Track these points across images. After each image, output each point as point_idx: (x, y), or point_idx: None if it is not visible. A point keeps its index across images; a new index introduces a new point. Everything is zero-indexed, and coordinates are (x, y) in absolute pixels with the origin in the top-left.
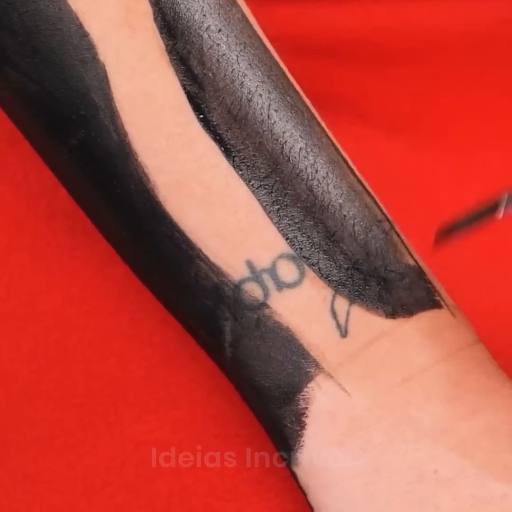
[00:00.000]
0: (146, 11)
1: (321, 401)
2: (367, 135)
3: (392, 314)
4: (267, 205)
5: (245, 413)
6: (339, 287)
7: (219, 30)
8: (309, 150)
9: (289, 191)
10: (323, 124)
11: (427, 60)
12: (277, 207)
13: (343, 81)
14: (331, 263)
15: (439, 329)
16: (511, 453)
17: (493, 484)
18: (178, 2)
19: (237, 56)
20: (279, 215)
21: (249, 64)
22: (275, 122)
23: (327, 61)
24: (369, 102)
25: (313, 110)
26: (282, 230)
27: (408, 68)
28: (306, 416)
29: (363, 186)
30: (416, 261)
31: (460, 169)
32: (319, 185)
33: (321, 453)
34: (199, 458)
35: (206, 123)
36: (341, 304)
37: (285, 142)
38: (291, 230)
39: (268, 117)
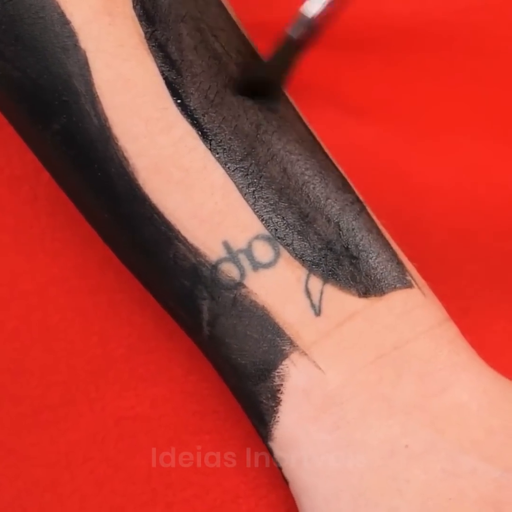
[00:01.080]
0: None
1: (295, 378)
2: (340, 120)
3: (364, 293)
4: (243, 187)
5: (222, 390)
6: (313, 267)
7: (197, 18)
8: (283, 133)
9: (264, 174)
10: (296, 108)
11: (399, 47)
12: (252, 189)
13: (318, 67)
14: (305, 243)
15: (410, 308)
16: (480, 429)
17: (462, 459)
18: None
19: (214, 42)
20: (255, 197)
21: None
22: (249, 106)
23: None
24: (343, 88)
25: (287, 95)
26: (257, 211)
27: (381, 55)
28: (281, 393)
29: (336, 169)
30: (388, 242)
31: (431, 154)
32: (293, 167)
33: (295, 429)
34: (180, 433)
35: (184, 108)
36: (315, 283)
37: (260, 125)
38: (266, 211)
39: (244, 100)
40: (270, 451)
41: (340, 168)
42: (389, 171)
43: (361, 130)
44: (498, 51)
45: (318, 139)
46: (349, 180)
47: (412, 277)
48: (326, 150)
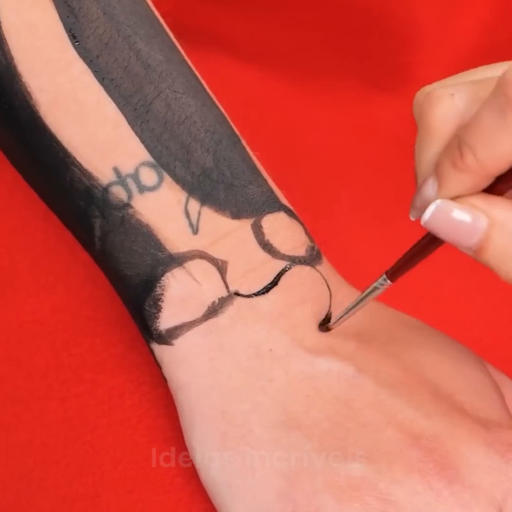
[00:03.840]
0: None
1: (175, 288)
2: (227, 63)
3: (237, 215)
4: (131, 120)
5: (112, 298)
6: (192, 191)
7: None
8: (168, 73)
9: (150, 109)
10: (182, 52)
11: (281, 4)
12: (140, 121)
13: (207, 15)
14: (186, 170)
15: (278, 229)
16: (336, 336)
17: (319, 362)
18: None
19: None
20: (142, 129)
21: (119, 0)
22: (140, 49)
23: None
24: (230, 35)
25: (173, 39)
26: (144, 141)
27: (265, 5)
28: (162, 301)
29: (216, 106)
30: (259, 171)
31: (307, 94)
32: (177, 103)
33: (174, 333)
34: (75, 336)
35: (81, 50)
36: (194, 205)
37: (148, 66)
38: (152, 141)
39: (134, 44)
40: (151, 352)
41: (219, 105)
42: (268, 108)
43: (246, 72)
44: (368, 8)
45: (201, 79)
46: (227, 116)
47: (279, 201)
48: (208, 90)
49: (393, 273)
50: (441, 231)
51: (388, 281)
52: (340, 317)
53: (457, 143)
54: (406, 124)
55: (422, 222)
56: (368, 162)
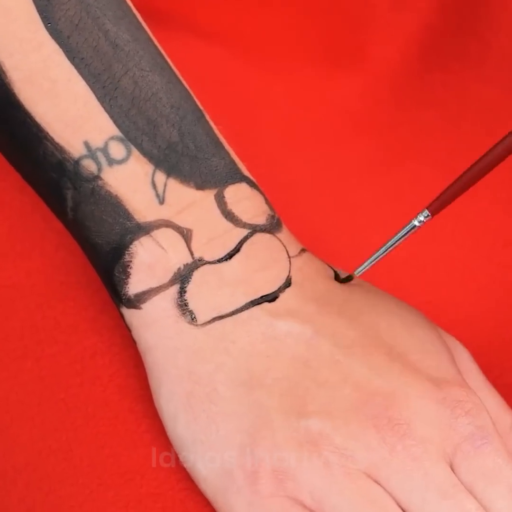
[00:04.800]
0: None
1: (142, 255)
2: (192, 42)
3: (201, 186)
4: (100, 96)
5: (84, 265)
6: (158, 163)
7: None
8: (135, 52)
9: (118, 86)
10: (149, 32)
11: None
12: (109, 98)
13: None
14: (152, 144)
15: (239, 199)
16: (296, 299)
17: (279, 324)
18: None
19: None
20: (111, 105)
21: None
22: (108, 29)
23: None
24: (195, 15)
25: (140, 19)
26: (112, 117)
27: None
28: (130, 268)
29: (181, 83)
30: (222, 144)
31: (268, 71)
32: (143, 80)
33: (142, 297)
34: (48, 298)
35: (52, 30)
36: (160, 177)
37: (116, 45)
38: (120, 117)
39: (103, 24)
40: (121, 316)
41: (184, 83)
42: (231, 85)
43: (210, 51)
44: None
45: (167, 58)
46: (191, 93)
47: (242, 173)
48: (174, 68)
49: (436, 208)
50: None
51: (430, 215)
52: (372, 260)
53: None
54: (363, 101)
55: None
56: (326, 136)
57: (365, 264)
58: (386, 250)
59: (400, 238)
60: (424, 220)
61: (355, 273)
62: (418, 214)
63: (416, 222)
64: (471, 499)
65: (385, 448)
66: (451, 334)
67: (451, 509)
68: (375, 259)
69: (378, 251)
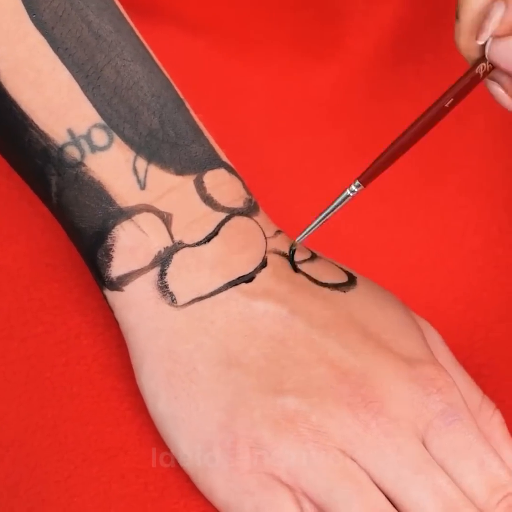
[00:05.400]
0: None
1: (124, 239)
2: (175, 34)
3: (181, 172)
4: (84, 86)
5: (69, 248)
6: (140, 150)
7: None
8: (118, 43)
9: (101, 75)
10: (131, 23)
11: None
12: (91, 87)
13: None
14: (134, 131)
15: (218, 184)
16: (271, 280)
17: (256, 304)
18: None
19: None
20: (93, 94)
21: None
22: (91, 20)
23: None
24: (179, 9)
25: (123, 11)
26: (95, 105)
27: None
28: (113, 251)
29: (162, 72)
30: (202, 132)
31: (247, 61)
32: (125, 70)
33: (124, 279)
34: (34, 281)
35: (37, 22)
36: (141, 163)
37: (99, 36)
38: (102, 105)
39: (86, 16)
40: (104, 297)
41: (165, 72)
42: (211, 75)
43: (191, 41)
44: None
45: (149, 48)
46: (172, 82)
47: (221, 159)
48: (155, 58)
49: (366, 179)
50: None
51: (362, 186)
52: (310, 228)
53: None
54: (338, 90)
55: (487, 52)
56: (303, 124)
57: (304, 232)
58: (323, 218)
59: (335, 208)
60: (357, 190)
61: (296, 240)
62: (350, 184)
63: (348, 192)
64: (443, 474)
65: (359, 425)
66: (422, 317)
67: (423, 484)
68: (313, 228)
69: (316, 219)
